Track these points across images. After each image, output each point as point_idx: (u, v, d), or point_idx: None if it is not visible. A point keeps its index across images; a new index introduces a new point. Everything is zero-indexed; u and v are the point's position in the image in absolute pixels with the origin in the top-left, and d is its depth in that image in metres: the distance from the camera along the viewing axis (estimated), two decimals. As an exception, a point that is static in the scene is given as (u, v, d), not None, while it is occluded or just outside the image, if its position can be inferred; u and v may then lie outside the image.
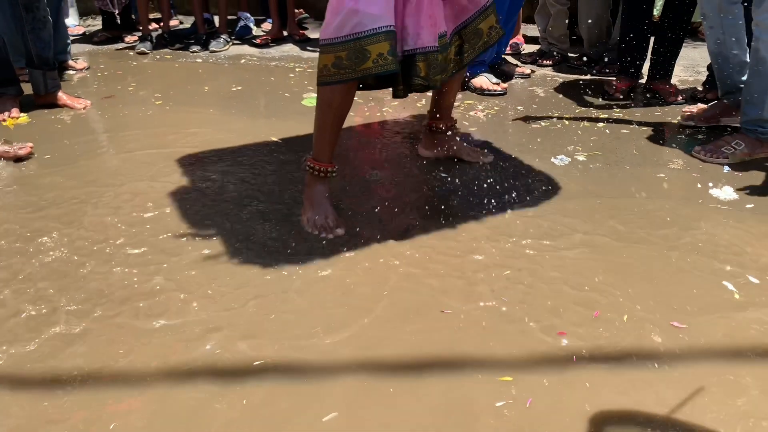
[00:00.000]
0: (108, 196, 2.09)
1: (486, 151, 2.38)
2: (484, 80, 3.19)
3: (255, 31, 4.71)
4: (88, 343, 1.39)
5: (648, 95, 3.15)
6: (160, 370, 1.31)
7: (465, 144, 2.37)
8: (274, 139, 2.61)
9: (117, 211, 1.98)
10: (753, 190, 2.10)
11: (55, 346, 1.38)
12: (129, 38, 4.42)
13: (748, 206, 2.00)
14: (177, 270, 1.66)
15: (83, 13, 5.11)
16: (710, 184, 2.14)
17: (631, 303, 1.52)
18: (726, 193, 2.07)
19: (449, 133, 2.31)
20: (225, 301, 1.54)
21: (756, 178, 2.21)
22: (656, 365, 1.31)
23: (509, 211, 1.96)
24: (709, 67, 3.07)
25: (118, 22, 4.58)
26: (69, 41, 3.61)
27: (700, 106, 2.77)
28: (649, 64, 3.15)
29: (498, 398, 1.23)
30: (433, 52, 1.82)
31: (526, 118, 2.82)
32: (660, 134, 2.65)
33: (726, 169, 2.27)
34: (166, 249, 1.76)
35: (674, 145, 2.51)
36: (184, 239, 1.81)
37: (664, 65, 3.10)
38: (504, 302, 1.52)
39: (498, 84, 3.19)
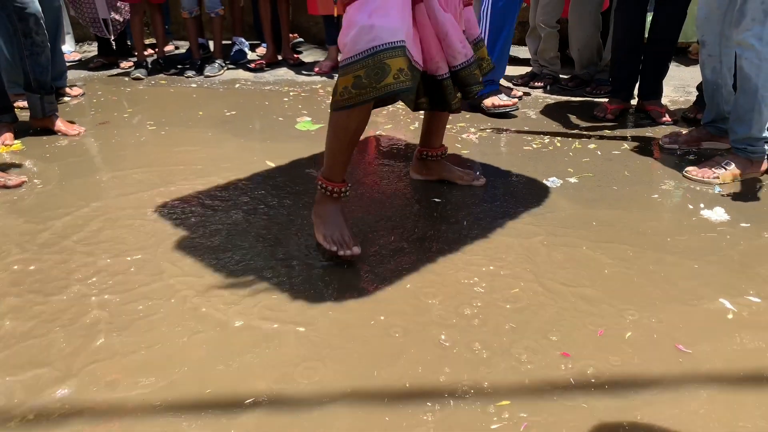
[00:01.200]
0: (94, 228, 2.09)
1: (478, 173, 2.38)
2: (495, 98, 3.20)
3: (250, 55, 4.75)
4: (72, 376, 1.38)
5: (641, 115, 3.18)
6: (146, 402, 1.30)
7: (456, 167, 2.37)
8: (269, 163, 2.62)
9: (101, 249, 1.97)
10: (744, 211, 2.11)
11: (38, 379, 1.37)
12: (124, 64, 4.46)
13: (743, 225, 2.02)
14: (167, 311, 1.66)
15: (79, 40, 5.15)
16: (701, 205, 2.15)
17: (634, 324, 1.52)
18: (717, 213, 2.08)
19: (440, 158, 2.31)
20: (215, 335, 1.54)
21: (746, 198, 2.22)
22: (660, 389, 1.31)
23: (500, 231, 1.97)
24: (699, 87, 3.11)
25: (114, 48, 4.62)
26: (65, 68, 3.63)
27: (683, 131, 2.80)
28: (638, 84, 3.18)
29: (493, 422, 1.22)
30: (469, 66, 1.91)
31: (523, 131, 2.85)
32: (651, 155, 2.67)
33: (717, 189, 2.28)
34: (149, 294, 1.74)
35: (665, 166, 2.53)
36: (173, 280, 1.81)
37: (652, 85, 3.14)
38: (502, 325, 1.52)
39: (509, 100, 3.22)
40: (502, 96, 3.23)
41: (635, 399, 1.29)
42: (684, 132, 2.78)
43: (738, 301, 1.61)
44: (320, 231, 1.82)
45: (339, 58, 1.73)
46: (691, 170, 2.41)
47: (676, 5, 2.94)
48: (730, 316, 1.55)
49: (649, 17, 3.12)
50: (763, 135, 2.34)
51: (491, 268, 1.77)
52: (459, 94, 1.98)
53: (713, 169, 2.37)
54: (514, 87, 3.73)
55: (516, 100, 3.28)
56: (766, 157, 2.39)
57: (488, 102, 3.20)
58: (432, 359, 1.42)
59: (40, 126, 3.05)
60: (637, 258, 1.82)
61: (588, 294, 1.65)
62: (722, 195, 2.24)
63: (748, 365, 1.39)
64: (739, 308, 1.58)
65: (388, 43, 1.60)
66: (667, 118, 3.06)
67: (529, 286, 1.69)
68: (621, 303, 1.61)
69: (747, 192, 2.27)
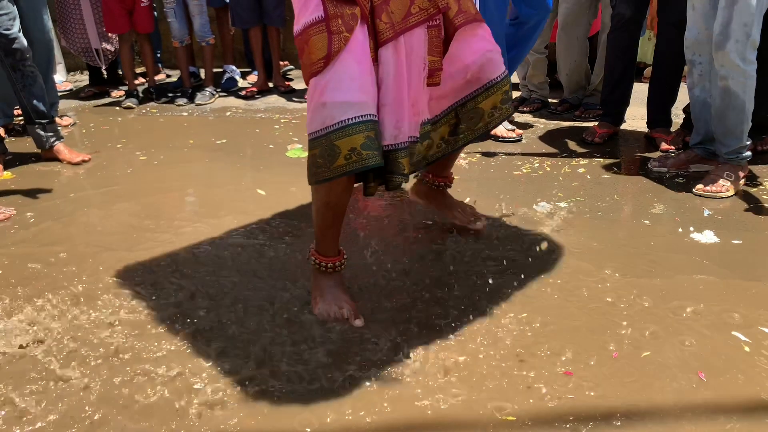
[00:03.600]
0: (77, 265, 2.07)
1: (481, 217, 2.15)
2: (500, 128, 3.18)
3: (241, 83, 4.77)
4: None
5: (643, 142, 3.18)
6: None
7: (458, 204, 2.17)
8: (261, 192, 2.62)
9: (84, 287, 1.93)
10: (735, 232, 2.12)
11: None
12: (115, 93, 4.47)
13: (735, 241, 2.04)
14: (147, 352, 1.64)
15: (70, 69, 5.17)
16: (691, 228, 2.15)
17: (650, 354, 1.51)
18: (707, 237, 2.09)
19: (444, 188, 2.14)
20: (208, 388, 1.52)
21: (735, 220, 2.23)
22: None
23: (492, 270, 1.97)
24: (686, 110, 3.13)
25: (105, 77, 4.64)
26: (57, 99, 3.63)
27: (671, 154, 2.82)
28: (648, 111, 3.18)
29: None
30: (414, 143, 1.66)
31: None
32: (640, 179, 2.68)
33: (706, 212, 2.29)
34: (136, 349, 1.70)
35: (655, 190, 2.54)
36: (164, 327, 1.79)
37: (658, 112, 3.13)
38: (515, 351, 1.51)
39: (513, 131, 3.22)
40: (507, 124, 3.23)
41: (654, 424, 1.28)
42: (672, 155, 2.79)
43: (749, 331, 1.59)
44: (317, 305, 1.70)
45: None
46: (702, 188, 2.46)
47: (678, 31, 2.94)
48: (747, 349, 1.54)
49: (643, 41, 3.14)
50: (747, 141, 2.48)
51: (490, 298, 1.76)
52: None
53: (720, 181, 2.45)
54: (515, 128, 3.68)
55: (521, 132, 3.27)
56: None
57: (493, 131, 3.19)
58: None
59: (50, 157, 3.07)
60: (633, 285, 1.81)
61: (590, 322, 1.64)
62: (712, 217, 2.25)
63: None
64: (751, 338, 1.57)
65: (338, 123, 1.48)
66: (669, 146, 3.03)
67: (530, 311, 1.68)
68: (625, 331, 1.60)
69: (735, 213, 2.28)
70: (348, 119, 1.48)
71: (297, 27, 1.55)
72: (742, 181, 2.50)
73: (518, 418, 1.31)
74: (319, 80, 1.50)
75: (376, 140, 1.53)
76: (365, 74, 1.52)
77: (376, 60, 1.56)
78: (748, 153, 2.52)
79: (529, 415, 1.32)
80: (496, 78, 1.77)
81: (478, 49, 1.74)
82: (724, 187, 2.44)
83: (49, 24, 3.31)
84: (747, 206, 2.35)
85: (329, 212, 1.65)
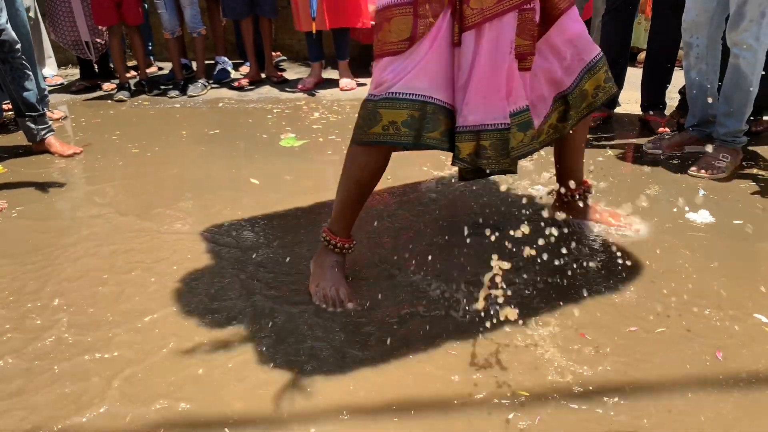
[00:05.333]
0: (66, 259, 2.06)
1: (629, 217, 2.06)
2: None
3: (233, 74, 4.74)
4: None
5: (640, 125, 3.17)
6: None
7: (604, 210, 2.08)
8: (254, 181, 2.60)
9: (73, 283, 1.88)
10: (731, 213, 2.11)
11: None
12: (107, 86, 4.43)
13: (736, 222, 2.04)
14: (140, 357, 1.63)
15: (61, 64, 5.12)
16: (687, 209, 2.15)
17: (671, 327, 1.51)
18: (703, 216, 2.08)
19: (583, 198, 2.03)
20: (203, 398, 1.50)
21: (731, 201, 2.22)
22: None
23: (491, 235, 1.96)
24: (681, 91, 3.13)
25: (96, 70, 4.60)
26: (46, 92, 3.60)
27: (665, 137, 2.81)
28: (642, 94, 3.16)
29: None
30: (504, 129, 1.57)
31: None
32: (635, 162, 2.67)
33: (701, 193, 2.29)
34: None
35: (650, 173, 2.53)
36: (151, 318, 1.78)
37: (652, 95, 3.12)
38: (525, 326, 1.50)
39: None
40: None
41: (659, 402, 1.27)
42: (667, 137, 2.79)
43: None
44: (313, 283, 1.71)
45: None
46: (696, 170, 2.45)
47: (673, 13, 2.93)
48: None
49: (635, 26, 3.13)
50: (745, 126, 2.49)
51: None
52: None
53: (715, 163, 2.45)
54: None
55: None
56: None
57: None
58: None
59: (41, 150, 3.05)
60: (635, 268, 1.81)
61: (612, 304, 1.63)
62: (707, 197, 2.24)
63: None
64: None
65: (389, 93, 1.51)
66: (665, 129, 3.03)
67: (539, 290, 1.67)
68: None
69: (730, 194, 2.28)
70: (400, 93, 1.51)
71: (381, 2, 1.54)
72: (737, 164, 2.49)
73: (531, 394, 1.31)
74: (392, 60, 1.52)
75: (419, 121, 1.52)
76: (443, 63, 1.53)
77: (459, 44, 1.52)
78: (745, 138, 2.53)
79: (542, 388, 1.33)
80: (596, 57, 1.74)
81: (576, 30, 1.71)
82: (719, 169, 2.44)
83: (25, 17, 3.29)
84: (742, 187, 2.34)
85: (357, 191, 1.67)
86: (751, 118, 2.82)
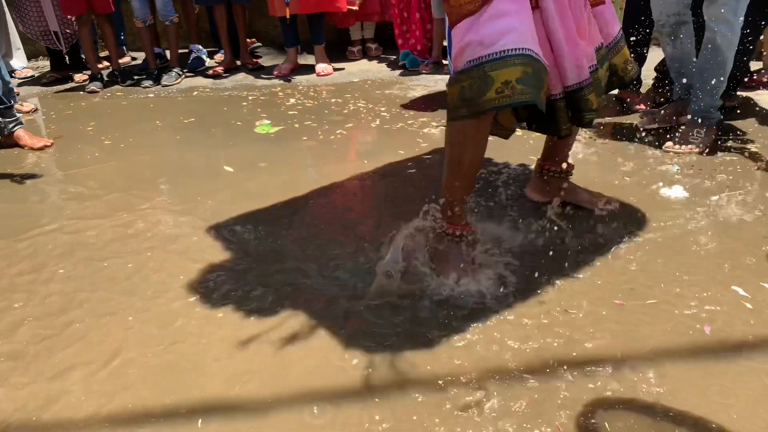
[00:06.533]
0: (42, 252, 2.02)
1: (607, 197, 2.03)
2: None
3: (208, 62, 4.67)
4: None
5: (618, 104, 3.17)
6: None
7: (584, 189, 2.04)
8: (228, 168, 2.57)
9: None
10: (704, 188, 2.12)
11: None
12: (78, 77, 4.35)
13: (713, 198, 2.04)
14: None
15: (31, 56, 5.02)
16: (661, 184, 2.15)
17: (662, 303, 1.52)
18: (676, 192, 2.09)
19: (566, 177, 2.01)
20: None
21: (704, 176, 2.23)
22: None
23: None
24: (657, 69, 3.13)
25: (67, 62, 4.51)
26: (10, 85, 3.52)
27: (658, 111, 2.82)
28: None
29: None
30: (596, 70, 1.60)
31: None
32: (611, 139, 2.67)
33: (675, 168, 2.30)
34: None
35: (625, 149, 2.54)
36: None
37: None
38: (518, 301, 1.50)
39: None
40: None
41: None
42: (660, 111, 2.78)
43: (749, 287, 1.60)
44: (450, 273, 1.62)
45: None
46: (671, 145, 2.46)
47: None
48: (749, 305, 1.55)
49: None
50: (719, 102, 2.50)
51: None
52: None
53: (690, 138, 2.46)
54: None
55: None
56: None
57: None
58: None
59: (10, 144, 3.00)
60: (611, 240, 1.81)
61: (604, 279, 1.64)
62: (682, 173, 2.25)
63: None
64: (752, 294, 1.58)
65: (496, 53, 1.39)
66: (641, 105, 3.04)
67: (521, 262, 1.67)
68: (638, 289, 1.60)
69: (704, 170, 2.29)
70: (507, 50, 1.38)
71: None
72: (711, 139, 2.50)
73: (522, 368, 1.31)
74: (473, 20, 1.42)
75: (535, 77, 1.41)
76: (523, 14, 1.43)
77: (537, 6, 1.49)
78: (719, 114, 2.54)
79: (531, 362, 1.33)
80: (619, 33, 1.75)
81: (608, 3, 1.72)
82: (693, 144, 2.45)
83: None
84: (716, 162, 2.36)
85: (473, 169, 1.59)
86: (728, 93, 2.85)
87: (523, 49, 1.40)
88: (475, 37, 1.42)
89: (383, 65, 4.42)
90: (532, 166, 2.18)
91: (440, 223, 1.67)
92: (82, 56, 4.61)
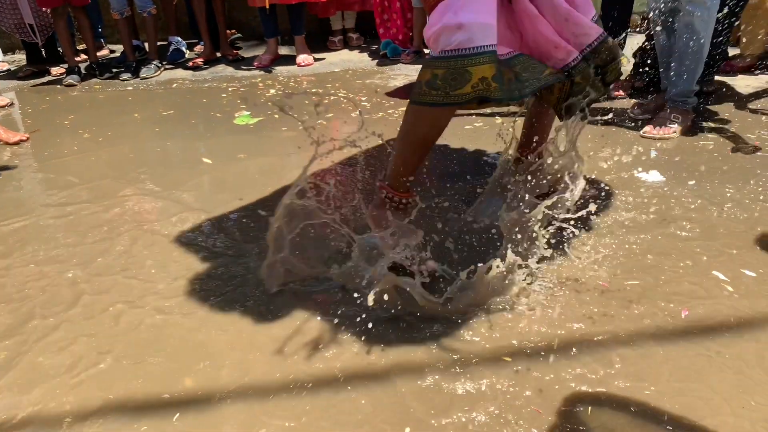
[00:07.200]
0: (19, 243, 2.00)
1: (585, 183, 1.99)
2: None
3: (188, 54, 4.64)
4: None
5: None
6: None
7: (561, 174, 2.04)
8: (206, 160, 2.55)
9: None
10: (680, 173, 2.14)
11: None
12: (55, 71, 4.30)
13: (690, 183, 2.05)
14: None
15: (7, 49, 4.96)
16: (640, 169, 2.17)
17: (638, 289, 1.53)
18: (653, 176, 2.11)
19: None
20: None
21: (681, 161, 2.25)
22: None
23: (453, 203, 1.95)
24: (636, 54, 3.14)
25: (44, 55, 4.46)
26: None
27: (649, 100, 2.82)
28: None
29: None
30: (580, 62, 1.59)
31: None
32: (590, 125, 2.68)
33: (653, 153, 2.31)
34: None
35: (604, 134, 2.55)
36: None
37: None
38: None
39: None
40: None
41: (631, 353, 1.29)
42: (650, 100, 2.78)
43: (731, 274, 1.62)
44: (386, 235, 1.61)
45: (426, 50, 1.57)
46: (650, 130, 2.48)
47: None
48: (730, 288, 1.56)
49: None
50: (696, 87, 2.51)
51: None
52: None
53: (668, 123, 2.48)
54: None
55: None
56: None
57: None
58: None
59: None
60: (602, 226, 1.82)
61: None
62: (658, 158, 2.26)
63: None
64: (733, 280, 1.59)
65: (479, 48, 1.38)
66: (620, 92, 3.05)
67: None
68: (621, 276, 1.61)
69: (679, 153, 2.31)
70: (489, 45, 1.38)
71: None
72: (688, 124, 2.52)
73: (506, 352, 1.31)
74: (447, 4, 1.40)
75: (500, 74, 1.42)
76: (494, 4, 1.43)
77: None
78: (695, 98, 2.55)
79: (513, 345, 1.33)
80: (594, 16, 1.75)
81: None
82: (671, 129, 2.47)
83: None
84: (693, 147, 2.37)
85: (423, 147, 1.58)
86: (706, 78, 2.87)
87: (493, 45, 1.40)
88: (450, 22, 1.39)
89: (364, 55, 4.41)
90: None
91: (385, 190, 1.65)
92: (59, 49, 4.56)
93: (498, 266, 1.46)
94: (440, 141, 2.13)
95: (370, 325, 1.43)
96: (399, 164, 1.61)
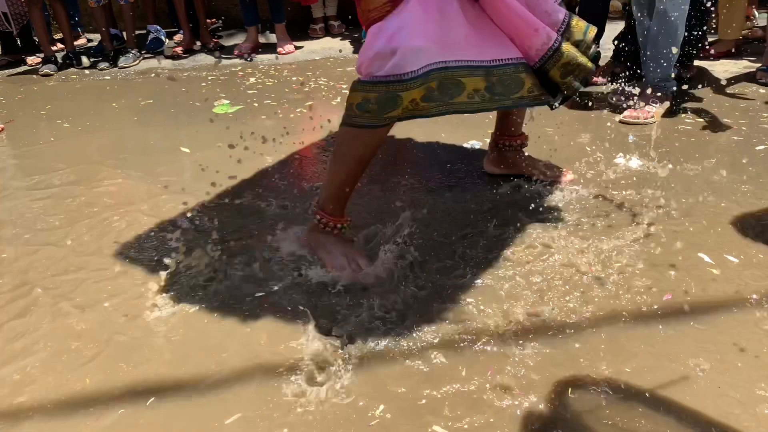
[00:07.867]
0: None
1: (564, 169, 2.07)
2: None
3: (167, 43, 4.56)
4: None
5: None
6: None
7: (539, 161, 2.08)
8: (184, 149, 2.53)
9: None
10: (659, 157, 2.15)
11: None
12: (31, 60, 4.22)
13: (669, 166, 2.05)
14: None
15: (-20, 39, 4.84)
16: (621, 154, 2.17)
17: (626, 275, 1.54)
18: (632, 162, 2.12)
19: (519, 150, 2.04)
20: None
21: (659, 145, 2.26)
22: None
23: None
24: (615, 41, 3.15)
25: (19, 44, 4.37)
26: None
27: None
28: None
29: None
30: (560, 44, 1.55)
31: None
32: (569, 110, 2.68)
33: (631, 138, 2.32)
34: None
35: (582, 119, 2.56)
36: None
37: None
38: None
39: None
40: None
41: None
42: (629, 85, 2.78)
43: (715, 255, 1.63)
44: (329, 264, 1.61)
45: (357, 64, 1.52)
46: (628, 115, 2.48)
47: None
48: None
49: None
50: (674, 71, 2.52)
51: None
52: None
53: (646, 108, 2.48)
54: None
55: None
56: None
57: None
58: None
59: None
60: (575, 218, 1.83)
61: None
62: (636, 143, 2.28)
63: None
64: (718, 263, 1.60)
65: (410, 73, 1.40)
66: (599, 78, 3.05)
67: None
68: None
69: (658, 137, 2.32)
70: (419, 69, 1.41)
71: None
72: (665, 108, 2.53)
73: (490, 337, 1.31)
74: (385, 25, 1.43)
75: (439, 89, 1.46)
76: (431, 19, 1.44)
77: None
78: (674, 82, 2.56)
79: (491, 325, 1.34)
80: (564, 19, 1.69)
81: None
82: (649, 114, 2.48)
83: None
84: (671, 132, 2.39)
85: (358, 168, 1.58)
86: (684, 63, 2.88)
87: (432, 63, 1.42)
88: (384, 49, 1.41)
89: (346, 42, 4.37)
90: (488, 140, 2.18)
91: (319, 216, 1.64)
92: (35, 38, 4.47)
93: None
94: (422, 128, 2.14)
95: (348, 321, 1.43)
96: (334, 187, 1.61)
